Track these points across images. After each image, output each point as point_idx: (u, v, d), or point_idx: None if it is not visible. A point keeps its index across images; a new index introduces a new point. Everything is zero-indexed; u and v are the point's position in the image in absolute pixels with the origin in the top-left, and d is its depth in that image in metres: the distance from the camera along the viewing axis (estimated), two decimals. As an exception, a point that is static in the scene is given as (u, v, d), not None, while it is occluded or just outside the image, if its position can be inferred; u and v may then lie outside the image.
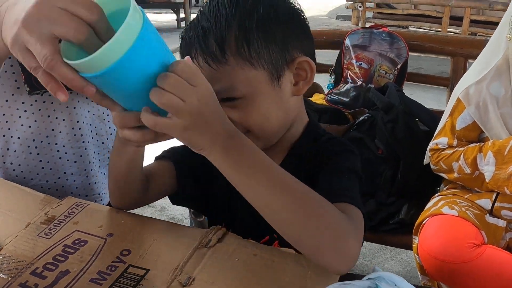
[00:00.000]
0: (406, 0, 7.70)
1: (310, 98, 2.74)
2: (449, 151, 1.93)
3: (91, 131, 1.49)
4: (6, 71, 1.31)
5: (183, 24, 12.24)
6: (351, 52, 2.65)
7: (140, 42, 0.73)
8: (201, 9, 1.02)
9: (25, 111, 1.35)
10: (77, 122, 1.43)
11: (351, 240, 0.85)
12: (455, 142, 1.93)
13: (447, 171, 1.97)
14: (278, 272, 0.90)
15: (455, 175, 1.94)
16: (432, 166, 2.04)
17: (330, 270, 0.88)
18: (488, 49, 1.94)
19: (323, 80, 2.86)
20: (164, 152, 1.20)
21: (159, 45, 0.80)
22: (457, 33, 7.66)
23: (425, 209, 2.00)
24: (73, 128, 1.43)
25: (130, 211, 1.15)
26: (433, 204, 1.98)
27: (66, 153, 1.44)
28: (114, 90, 0.79)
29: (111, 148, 1.58)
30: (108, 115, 1.54)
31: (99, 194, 1.56)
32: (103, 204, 1.56)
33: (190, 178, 1.19)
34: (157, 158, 1.21)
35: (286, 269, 0.91)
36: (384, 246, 3.03)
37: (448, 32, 7.55)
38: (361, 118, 2.40)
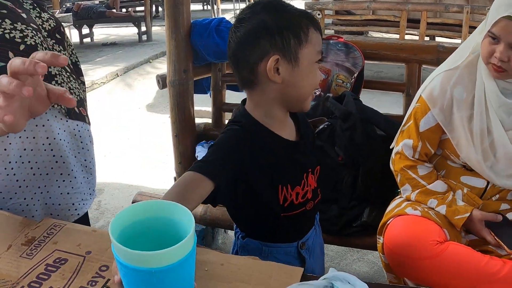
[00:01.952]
0: (364, 6, 7.84)
1: (272, 109, 2.82)
2: (412, 174, 2.01)
3: (67, 146, 1.55)
4: None
5: (144, 37, 12.22)
6: (309, 63, 2.74)
7: (193, 251, 0.80)
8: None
9: None
10: (54, 138, 1.50)
11: None
12: (420, 145, 1.98)
13: (399, 184, 2.08)
14: (244, 277, 1.00)
15: (401, 192, 2.08)
16: (391, 166, 2.11)
17: None
18: (457, 52, 1.99)
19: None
20: (199, 167, 1.27)
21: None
22: (415, 35, 7.82)
23: (388, 210, 2.08)
24: (54, 139, 1.49)
25: (104, 229, 1.22)
26: (396, 205, 2.06)
27: (45, 167, 1.51)
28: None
29: (83, 161, 1.64)
30: (79, 131, 1.60)
31: (73, 204, 1.61)
32: (78, 214, 1.62)
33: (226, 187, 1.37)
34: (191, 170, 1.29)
35: (251, 274, 1.00)
36: (351, 248, 3.12)
37: (406, 34, 7.71)
38: (320, 127, 2.49)
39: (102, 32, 13.86)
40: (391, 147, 2.15)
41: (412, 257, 1.81)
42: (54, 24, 1.59)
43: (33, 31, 1.46)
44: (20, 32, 1.41)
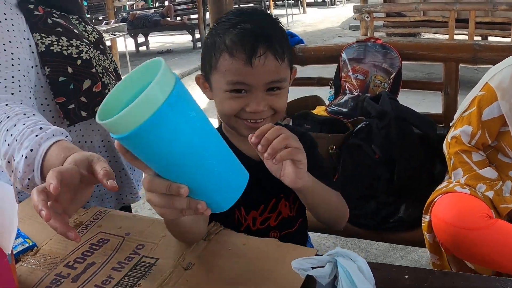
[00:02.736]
0: (412, 7, 7.81)
1: (313, 111, 2.92)
2: (466, 159, 2.01)
3: None
4: (44, 110, 1.54)
5: (198, 44, 12.48)
6: (347, 65, 2.83)
7: (167, 108, 0.68)
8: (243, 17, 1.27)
9: None
10: (108, 141, 1.68)
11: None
12: (479, 133, 1.96)
13: (450, 168, 2.08)
14: (263, 255, 1.11)
15: (452, 176, 2.07)
16: (445, 149, 2.12)
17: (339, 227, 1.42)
18: None
19: (325, 92, 3.04)
20: None
21: (193, 113, 0.76)
22: (465, 34, 7.74)
23: (435, 190, 2.10)
24: (108, 141, 1.68)
25: (144, 215, 1.35)
26: (443, 186, 2.08)
27: None
28: (144, 154, 0.74)
29: None
30: None
31: (121, 196, 1.79)
32: (139, 197, 1.82)
33: None
34: None
35: (269, 252, 1.12)
36: (394, 246, 3.15)
37: (456, 35, 7.66)
38: (358, 126, 2.58)
39: (157, 40, 14.21)
40: (451, 124, 2.15)
41: (462, 227, 1.82)
42: (97, 36, 1.76)
43: (86, 46, 1.62)
44: (76, 48, 1.57)
